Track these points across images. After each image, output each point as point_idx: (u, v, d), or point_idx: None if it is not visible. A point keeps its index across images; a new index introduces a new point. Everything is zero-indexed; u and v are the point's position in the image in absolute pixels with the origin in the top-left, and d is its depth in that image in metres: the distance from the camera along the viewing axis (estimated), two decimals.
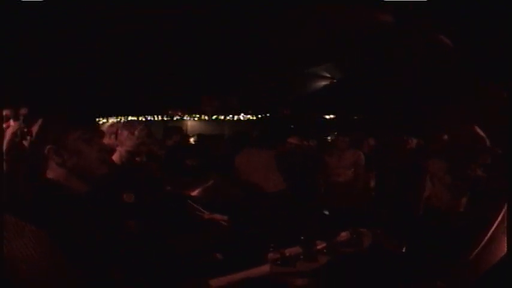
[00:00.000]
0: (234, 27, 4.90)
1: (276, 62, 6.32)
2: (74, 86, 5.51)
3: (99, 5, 3.73)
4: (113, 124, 2.53)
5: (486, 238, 1.25)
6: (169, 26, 4.73)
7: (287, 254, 1.36)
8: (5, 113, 1.77)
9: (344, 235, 1.43)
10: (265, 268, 1.36)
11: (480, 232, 1.28)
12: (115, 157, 2.40)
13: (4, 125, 1.79)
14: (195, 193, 2.88)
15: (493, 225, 1.26)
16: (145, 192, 2.47)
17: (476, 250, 1.27)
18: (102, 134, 1.56)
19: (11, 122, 1.76)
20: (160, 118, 9.84)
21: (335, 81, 7.39)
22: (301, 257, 1.35)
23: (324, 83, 7.60)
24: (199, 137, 7.51)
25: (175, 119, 9.94)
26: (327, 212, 2.52)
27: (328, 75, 7.39)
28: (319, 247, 1.38)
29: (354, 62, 6.50)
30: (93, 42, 4.64)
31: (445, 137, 3.60)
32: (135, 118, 9.30)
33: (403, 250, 1.70)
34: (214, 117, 9.72)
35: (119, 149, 2.41)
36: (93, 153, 1.40)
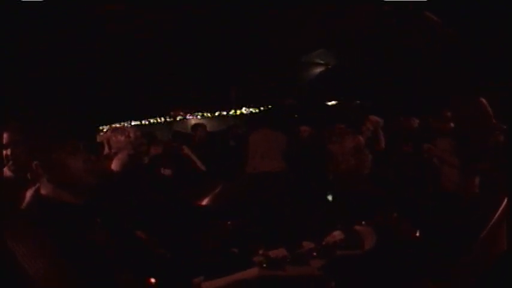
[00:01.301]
0: (234, 27, 4.90)
1: (276, 62, 6.33)
2: (74, 88, 5.51)
3: (99, 5, 3.73)
4: (102, 134, 2.53)
5: (490, 224, 1.13)
6: (169, 26, 4.74)
7: (272, 257, 1.27)
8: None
9: (337, 235, 1.29)
10: (254, 271, 1.29)
11: (490, 217, 1.16)
12: (115, 164, 2.35)
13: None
14: (204, 202, 2.86)
15: (498, 209, 1.14)
16: (153, 192, 2.49)
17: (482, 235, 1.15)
18: (87, 144, 1.53)
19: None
20: (163, 120, 9.81)
21: (330, 67, 7.42)
22: (288, 259, 1.25)
23: (320, 69, 7.64)
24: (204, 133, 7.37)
25: (178, 119, 9.91)
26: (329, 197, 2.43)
27: (323, 62, 7.44)
28: (306, 249, 1.27)
29: (354, 57, 6.50)
30: (93, 43, 4.64)
31: (449, 113, 3.36)
32: (138, 122, 9.35)
33: (417, 235, 1.59)
34: (217, 113, 9.69)
35: (118, 155, 2.38)
36: (78, 165, 1.38)
